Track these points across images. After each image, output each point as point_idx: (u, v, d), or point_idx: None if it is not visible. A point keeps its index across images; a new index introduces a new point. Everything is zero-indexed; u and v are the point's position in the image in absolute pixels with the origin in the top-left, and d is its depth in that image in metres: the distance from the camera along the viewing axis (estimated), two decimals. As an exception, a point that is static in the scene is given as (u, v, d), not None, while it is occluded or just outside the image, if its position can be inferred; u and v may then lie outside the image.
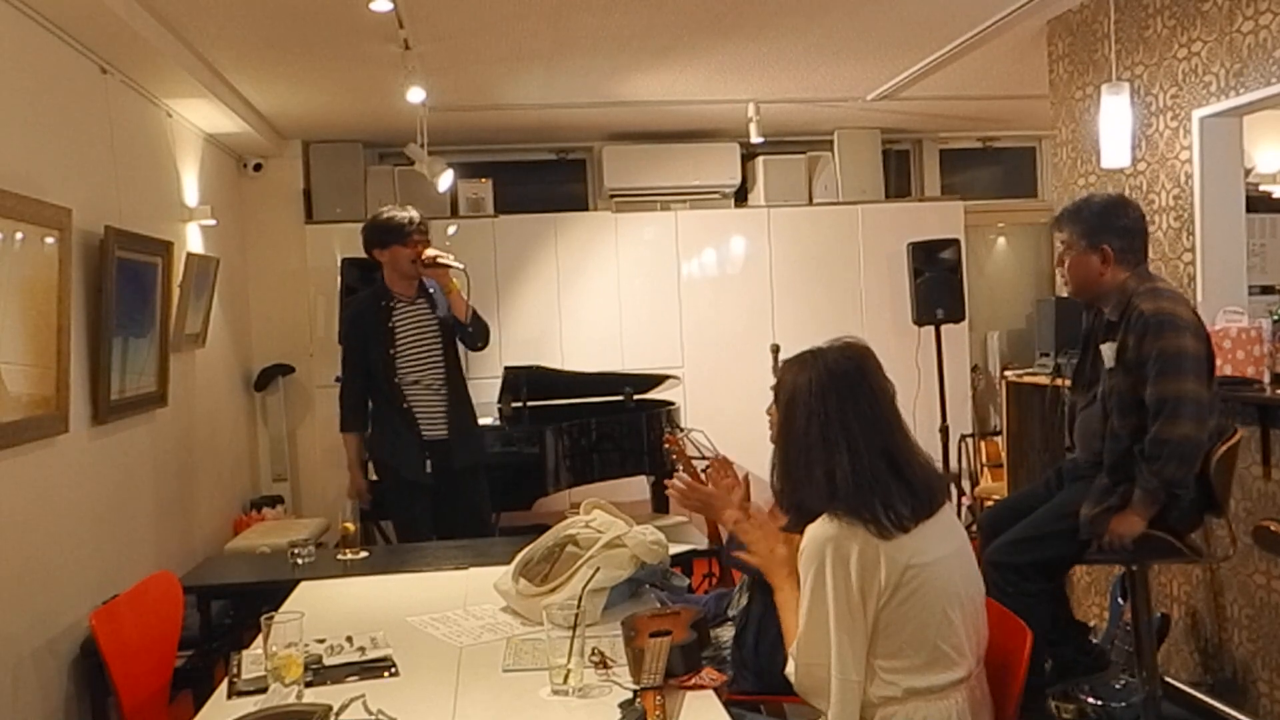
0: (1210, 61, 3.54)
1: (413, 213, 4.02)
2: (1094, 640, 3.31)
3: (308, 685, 2.02)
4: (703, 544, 3.71)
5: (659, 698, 1.82)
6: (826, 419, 1.91)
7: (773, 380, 2.77)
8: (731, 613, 2.69)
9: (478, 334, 4.07)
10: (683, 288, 6.44)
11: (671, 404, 5.61)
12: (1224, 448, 2.80)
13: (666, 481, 2.67)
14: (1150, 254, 3.05)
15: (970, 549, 2.02)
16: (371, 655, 2.21)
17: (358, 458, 4.12)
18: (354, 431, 4.09)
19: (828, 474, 1.89)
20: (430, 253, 3.98)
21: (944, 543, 1.92)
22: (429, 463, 3.99)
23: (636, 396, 5.61)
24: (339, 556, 3.38)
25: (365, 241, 4.05)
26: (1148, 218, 3.81)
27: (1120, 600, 3.47)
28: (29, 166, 3.19)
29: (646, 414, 5.36)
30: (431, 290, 4.10)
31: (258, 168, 6.16)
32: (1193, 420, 2.71)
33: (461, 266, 4.05)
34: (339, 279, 5.87)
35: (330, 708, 1.84)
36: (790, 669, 1.95)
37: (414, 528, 4.05)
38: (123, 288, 3.77)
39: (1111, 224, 2.94)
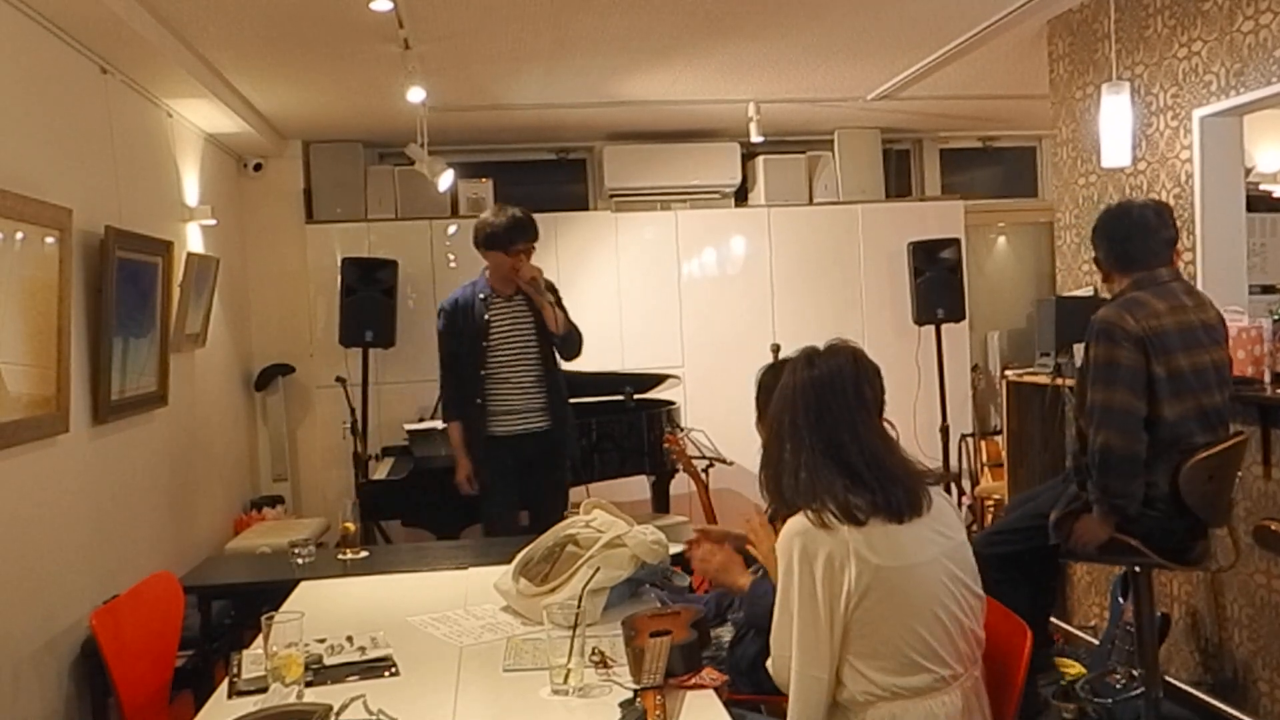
0: (1210, 61, 3.54)
1: (520, 222, 4.11)
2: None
3: (308, 685, 2.02)
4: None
5: (659, 697, 1.82)
6: (792, 423, 1.98)
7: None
8: (732, 616, 2.69)
9: (569, 345, 4.20)
10: (683, 288, 6.43)
11: (671, 404, 5.61)
12: (1195, 459, 2.74)
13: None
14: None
15: (966, 551, 2.00)
16: (372, 655, 2.21)
17: (463, 443, 4.20)
18: (454, 419, 4.22)
19: (783, 473, 1.97)
20: (528, 273, 4.10)
21: (927, 547, 1.91)
22: (490, 459, 4.12)
23: (636, 396, 5.61)
24: (339, 556, 3.39)
25: (475, 241, 4.18)
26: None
27: (1121, 600, 3.47)
28: (29, 166, 3.19)
29: (646, 414, 5.36)
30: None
31: (258, 168, 6.16)
32: (1118, 431, 2.71)
33: (551, 300, 4.13)
34: (339, 279, 5.87)
35: (330, 707, 1.84)
36: (769, 661, 1.98)
37: (491, 518, 4.18)
38: (123, 288, 3.77)
39: (1099, 235, 2.97)
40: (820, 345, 2.07)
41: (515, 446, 4.15)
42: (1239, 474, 2.87)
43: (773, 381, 2.70)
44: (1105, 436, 2.73)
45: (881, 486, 1.91)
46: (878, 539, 1.86)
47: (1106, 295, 3.07)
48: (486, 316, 4.14)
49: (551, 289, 4.20)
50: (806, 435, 1.96)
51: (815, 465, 1.93)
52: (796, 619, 1.87)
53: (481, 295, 4.17)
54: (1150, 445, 2.76)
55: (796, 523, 1.90)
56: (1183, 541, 2.85)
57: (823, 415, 1.96)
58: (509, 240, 4.08)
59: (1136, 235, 2.90)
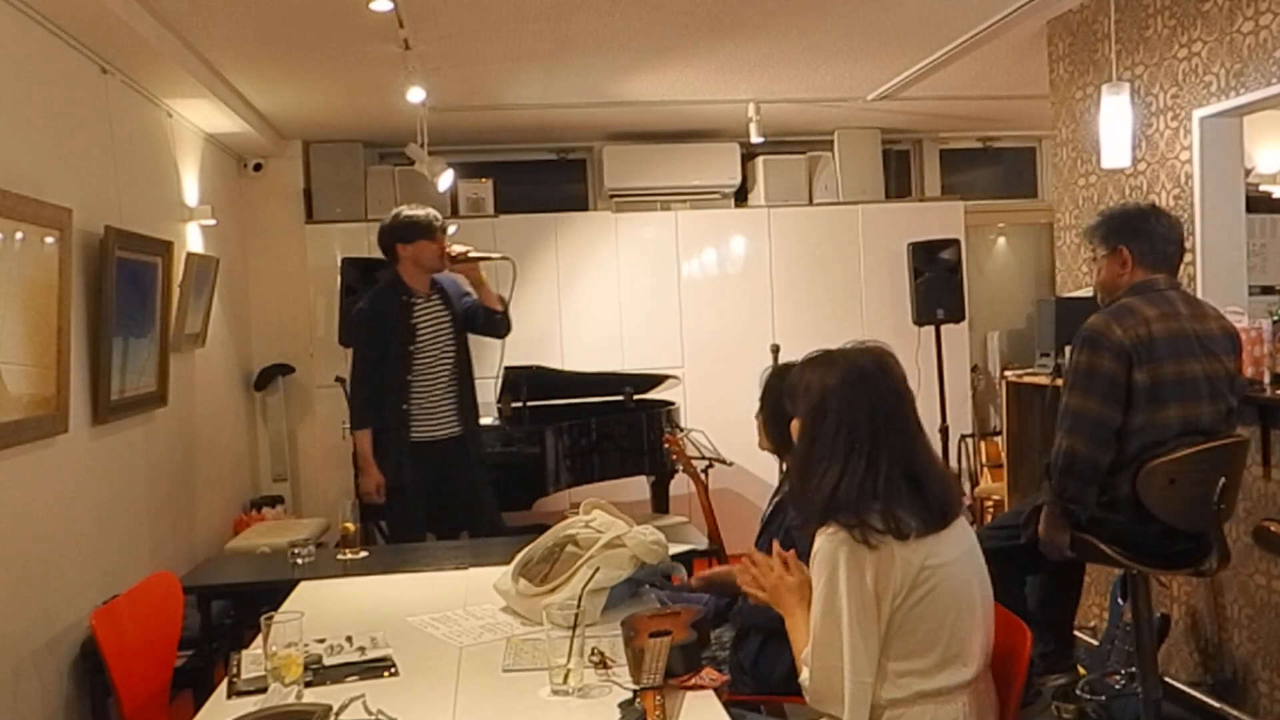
0: (1210, 61, 3.54)
1: (434, 211, 4.10)
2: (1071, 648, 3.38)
3: (308, 685, 2.02)
4: (703, 544, 3.71)
5: (659, 698, 1.82)
6: (855, 423, 1.89)
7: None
8: (733, 617, 2.69)
9: (505, 321, 4.16)
10: (683, 288, 6.43)
11: (671, 404, 5.61)
12: (1153, 463, 2.73)
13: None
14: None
15: (980, 551, 2.00)
16: (371, 655, 2.21)
17: (372, 453, 4.07)
18: (370, 426, 4.06)
19: (834, 479, 1.87)
20: (460, 248, 4.07)
21: (957, 545, 1.91)
22: (410, 467, 4.01)
23: (636, 396, 5.61)
24: (339, 556, 3.38)
25: (388, 236, 4.05)
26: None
27: (1120, 600, 3.47)
28: (29, 166, 3.19)
29: (646, 414, 5.36)
30: (444, 286, 4.16)
31: (258, 168, 6.16)
32: (1085, 438, 2.73)
33: (500, 257, 4.14)
34: (339, 279, 5.87)
35: (330, 708, 1.84)
36: (804, 677, 1.93)
37: (406, 530, 4.08)
38: (123, 288, 3.77)
39: (1140, 229, 2.92)
40: (845, 346, 2.00)
41: (434, 453, 4.04)
42: (1222, 478, 2.83)
43: (780, 384, 2.70)
44: (1071, 441, 2.75)
45: (939, 494, 1.88)
46: (921, 544, 1.84)
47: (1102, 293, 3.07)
48: (412, 319, 4.03)
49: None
50: (873, 439, 1.88)
51: (879, 472, 1.86)
52: (847, 628, 1.82)
53: (403, 297, 4.05)
54: (1120, 452, 2.76)
55: (836, 535, 1.84)
56: (1159, 545, 2.83)
57: (888, 416, 1.90)
58: (433, 228, 4.02)
59: (1175, 240, 2.93)
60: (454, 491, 4.10)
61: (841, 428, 1.90)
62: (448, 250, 4.05)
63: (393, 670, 2.16)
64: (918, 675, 1.86)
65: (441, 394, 4.08)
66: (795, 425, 2.03)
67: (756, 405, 2.73)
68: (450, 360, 4.10)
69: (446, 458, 4.07)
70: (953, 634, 1.86)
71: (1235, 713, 3.42)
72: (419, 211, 4.05)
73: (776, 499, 2.67)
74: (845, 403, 1.91)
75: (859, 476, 1.86)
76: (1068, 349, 2.99)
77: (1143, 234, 2.90)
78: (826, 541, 1.87)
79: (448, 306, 4.11)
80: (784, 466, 2.73)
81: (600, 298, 6.31)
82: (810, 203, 6.63)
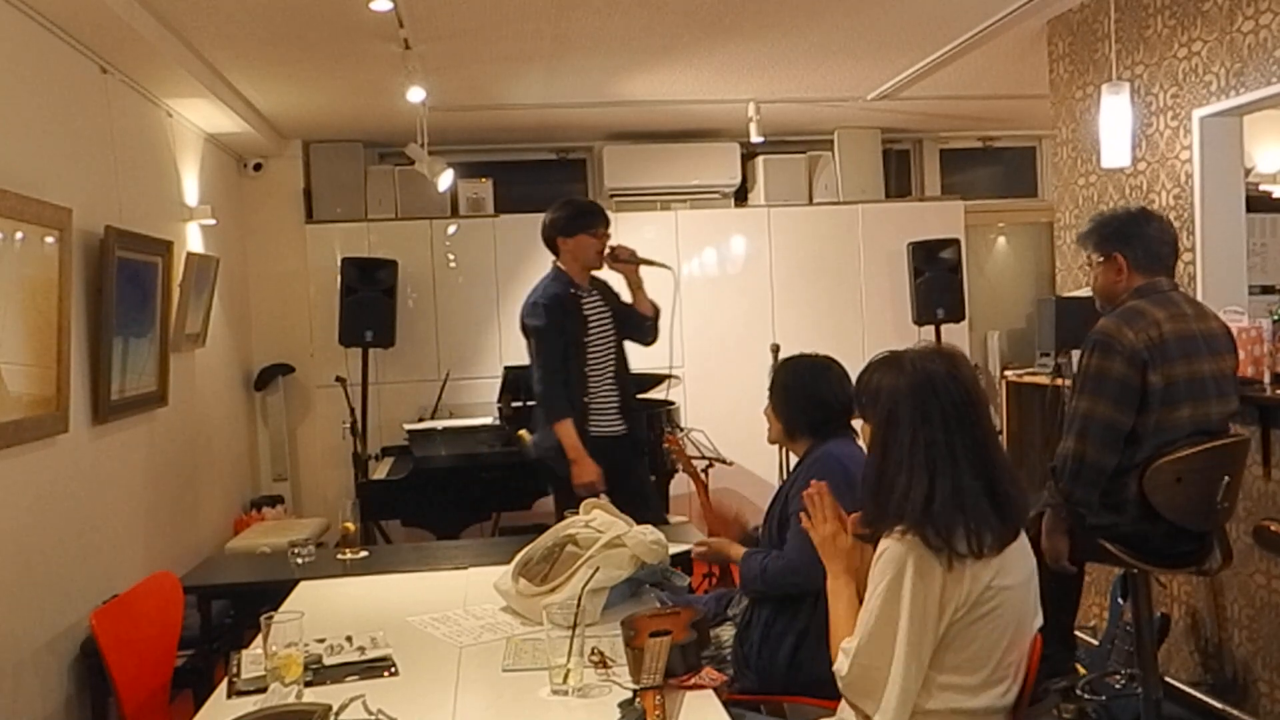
0: (1210, 61, 3.54)
1: (598, 204, 4.07)
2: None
3: (308, 685, 2.02)
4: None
5: (659, 698, 1.82)
6: (930, 435, 1.83)
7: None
8: (732, 611, 2.69)
9: (657, 327, 4.12)
10: (682, 288, 6.41)
11: (671, 404, 5.60)
12: (1160, 461, 2.72)
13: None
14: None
15: (1037, 577, 1.94)
16: (371, 655, 2.21)
17: (580, 442, 3.85)
18: (569, 416, 3.85)
19: (921, 497, 1.80)
20: (624, 251, 4.02)
21: (1022, 568, 1.87)
22: (601, 458, 3.85)
23: (637, 396, 5.60)
24: (339, 556, 3.39)
25: (549, 229, 4.00)
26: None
27: (1120, 600, 3.47)
28: (29, 166, 3.19)
29: (646, 414, 5.35)
30: (602, 284, 4.11)
31: (258, 168, 6.16)
32: (1093, 442, 2.73)
33: (663, 265, 4.10)
34: (339, 279, 5.87)
35: (330, 707, 1.84)
36: (842, 665, 1.88)
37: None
38: (123, 287, 3.77)
39: (1129, 235, 2.92)
40: (915, 347, 1.95)
41: (607, 448, 3.90)
42: (1226, 477, 2.83)
43: (785, 377, 2.71)
44: (1081, 445, 2.74)
45: (1012, 501, 1.83)
46: (992, 561, 1.80)
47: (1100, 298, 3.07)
48: (584, 310, 3.96)
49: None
50: (949, 451, 1.82)
51: (964, 490, 1.80)
52: (904, 636, 1.78)
53: (571, 290, 3.95)
54: (1132, 454, 2.76)
55: (910, 540, 1.79)
56: (1165, 545, 2.83)
57: (961, 424, 1.84)
58: (595, 221, 3.96)
59: (1169, 242, 2.93)
60: (625, 489, 3.88)
61: (917, 440, 1.83)
62: (612, 249, 3.99)
63: (393, 670, 2.16)
64: (958, 691, 1.83)
65: (609, 389, 4.00)
66: (866, 430, 1.99)
67: (755, 405, 2.74)
68: (613, 357, 4.03)
69: (618, 454, 3.93)
70: (1003, 657, 1.84)
71: (1235, 713, 3.42)
72: (581, 206, 4.02)
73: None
74: (917, 413, 1.84)
75: (948, 495, 1.80)
76: (1074, 351, 2.98)
77: (1136, 239, 2.90)
78: (898, 544, 1.81)
79: (607, 303, 4.05)
80: (787, 460, 2.76)
81: (600, 297, 6.30)
82: (810, 202, 6.63)
